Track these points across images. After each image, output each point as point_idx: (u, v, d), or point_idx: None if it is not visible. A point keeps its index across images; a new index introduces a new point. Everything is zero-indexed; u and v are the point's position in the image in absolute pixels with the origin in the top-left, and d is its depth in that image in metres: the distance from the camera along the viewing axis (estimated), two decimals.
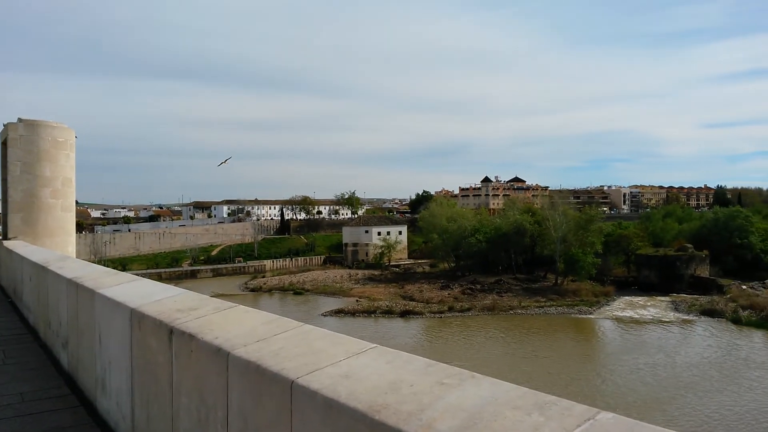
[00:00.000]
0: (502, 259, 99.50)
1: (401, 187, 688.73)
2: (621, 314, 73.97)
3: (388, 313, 74.50)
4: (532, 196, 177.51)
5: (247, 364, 2.71)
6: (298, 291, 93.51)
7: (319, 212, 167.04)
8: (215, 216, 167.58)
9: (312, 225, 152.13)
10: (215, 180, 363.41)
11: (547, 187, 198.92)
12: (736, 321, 67.12)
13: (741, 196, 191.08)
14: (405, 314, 73.86)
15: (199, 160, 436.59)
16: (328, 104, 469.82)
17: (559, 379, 46.98)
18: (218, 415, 3.01)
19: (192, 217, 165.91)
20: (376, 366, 2.41)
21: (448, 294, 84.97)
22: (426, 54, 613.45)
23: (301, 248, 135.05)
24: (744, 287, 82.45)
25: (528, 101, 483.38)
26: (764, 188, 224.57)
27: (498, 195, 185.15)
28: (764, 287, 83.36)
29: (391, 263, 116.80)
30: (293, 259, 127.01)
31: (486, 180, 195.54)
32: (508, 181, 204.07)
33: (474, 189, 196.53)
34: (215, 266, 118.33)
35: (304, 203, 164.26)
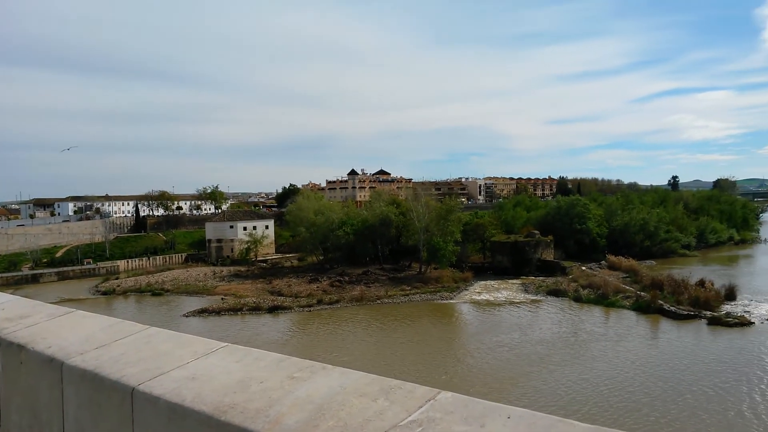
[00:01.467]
0: (369, 250, 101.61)
1: (268, 181, 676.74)
2: (478, 298, 78.87)
3: (256, 309, 73.03)
4: (397, 188, 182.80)
5: (84, 374, 2.55)
6: (156, 292, 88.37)
7: (180, 208, 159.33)
8: (59, 214, 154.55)
9: (171, 221, 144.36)
10: (59, 175, 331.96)
11: (411, 179, 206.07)
12: (578, 299, 74.21)
13: (580, 185, 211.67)
14: (273, 310, 72.89)
15: (39, 153, 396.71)
16: (187, 95, 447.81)
17: (424, 363, 49.07)
18: (54, 431, 2.79)
19: (32, 216, 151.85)
20: (225, 365, 2.37)
21: (317, 287, 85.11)
22: (292, 47, 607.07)
23: (159, 246, 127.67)
24: (583, 268, 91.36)
25: (392, 96, 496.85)
26: (599, 178, 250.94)
27: (364, 187, 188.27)
28: (600, 267, 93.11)
29: (258, 258, 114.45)
30: (151, 259, 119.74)
31: (353, 173, 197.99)
32: (374, 174, 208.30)
33: (341, 182, 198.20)
34: (60, 269, 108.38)
35: (162, 198, 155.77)
